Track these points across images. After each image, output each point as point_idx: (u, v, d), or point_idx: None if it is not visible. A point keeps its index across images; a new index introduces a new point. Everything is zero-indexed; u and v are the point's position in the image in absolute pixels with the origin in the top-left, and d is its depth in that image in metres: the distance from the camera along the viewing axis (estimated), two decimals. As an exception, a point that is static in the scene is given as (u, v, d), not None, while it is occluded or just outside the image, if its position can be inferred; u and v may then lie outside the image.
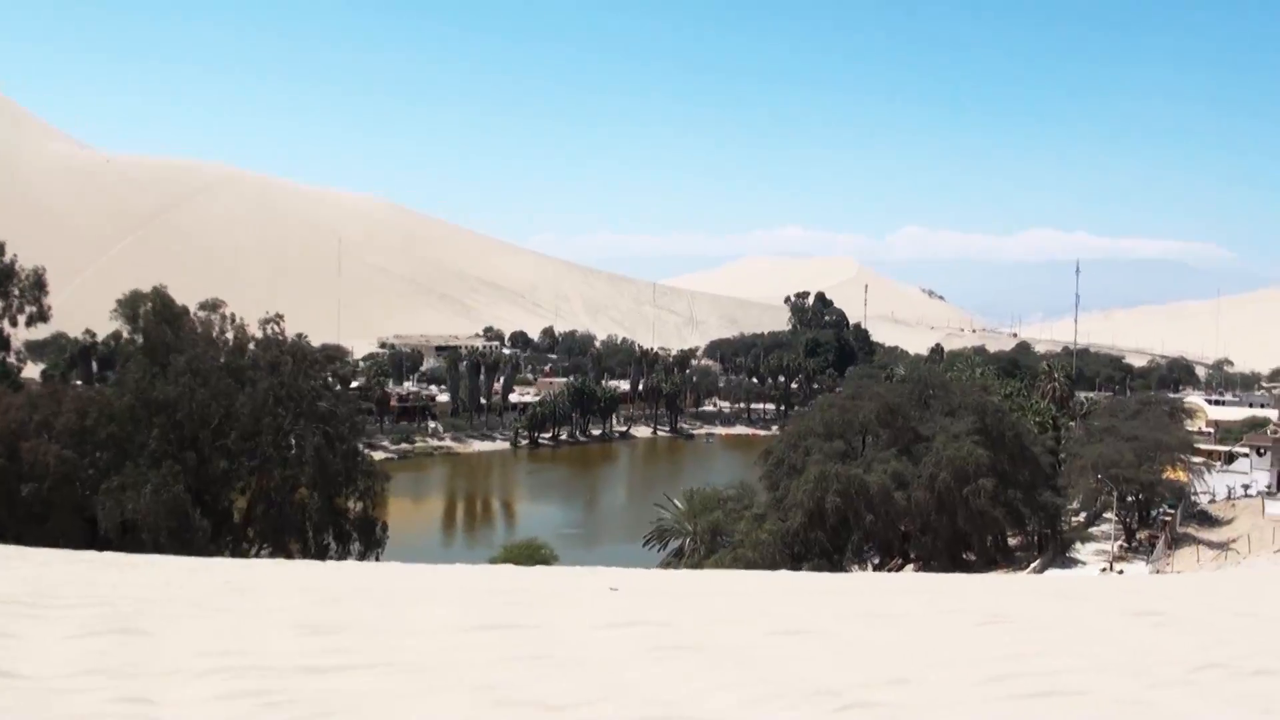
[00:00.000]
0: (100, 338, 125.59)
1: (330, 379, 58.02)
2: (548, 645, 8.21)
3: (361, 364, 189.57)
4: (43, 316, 63.97)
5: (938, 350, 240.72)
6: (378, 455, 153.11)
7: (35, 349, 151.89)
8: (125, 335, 55.91)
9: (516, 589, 11.86)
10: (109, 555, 16.02)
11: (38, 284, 63.23)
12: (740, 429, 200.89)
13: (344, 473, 52.84)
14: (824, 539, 58.02)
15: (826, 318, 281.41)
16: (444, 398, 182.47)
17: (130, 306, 54.72)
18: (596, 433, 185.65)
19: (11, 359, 65.42)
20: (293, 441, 51.04)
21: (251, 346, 54.32)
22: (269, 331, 54.11)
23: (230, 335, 54.92)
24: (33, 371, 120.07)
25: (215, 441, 49.68)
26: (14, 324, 63.34)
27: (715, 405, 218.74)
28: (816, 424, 66.01)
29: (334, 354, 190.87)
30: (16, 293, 62.62)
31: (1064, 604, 12.66)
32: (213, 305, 57.44)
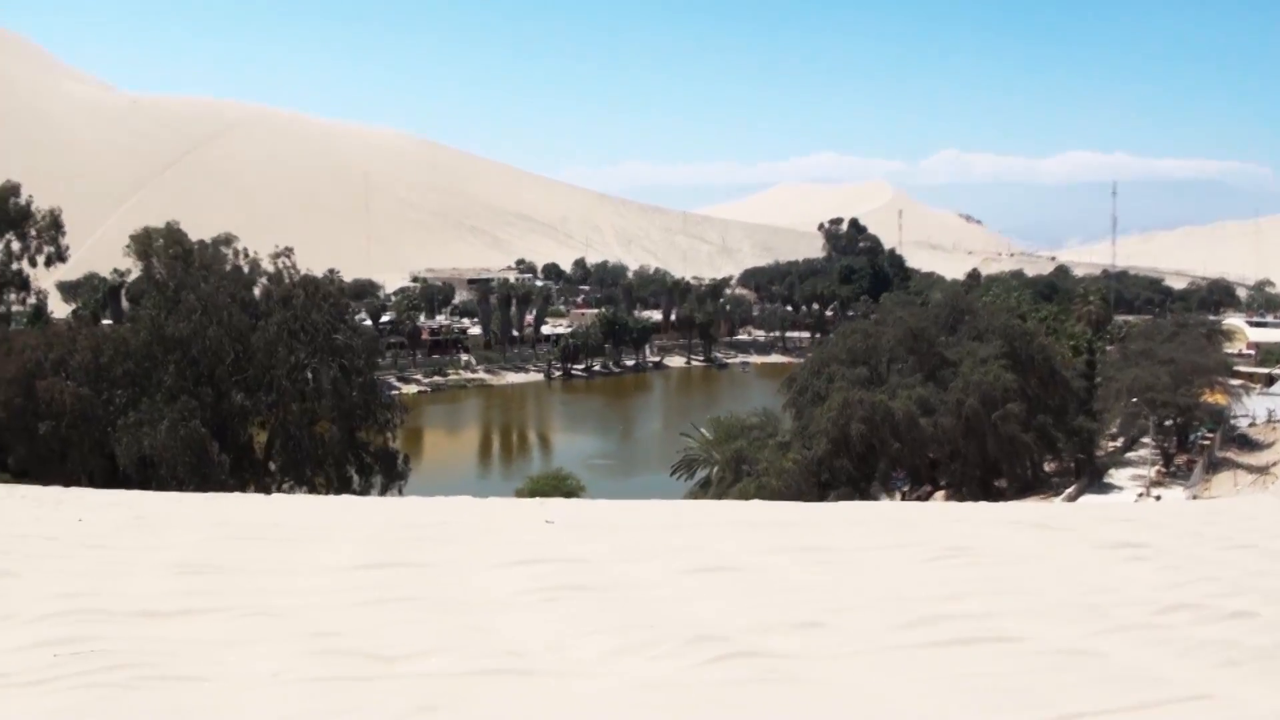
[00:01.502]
0: (130, 277, 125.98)
1: (347, 312, 57.44)
2: (430, 586, 7.49)
3: (392, 298, 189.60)
4: (60, 257, 63.95)
5: (974, 275, 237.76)
6: (410, 388, 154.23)
7: (68, 289, 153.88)
8: (138, 272, 55.58)
9: (441, 523, 11.18)
10: (66, 491, 15.43)
11: (54, 224, 63.19)
12: (775, 357, 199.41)
13: (362, 405, 52.54)
14: (850, 467, 57.16)
15: (861, 244, 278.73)
16: (476, 330, 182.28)
17: (142, 243, 54.31)
18: (629, 363, 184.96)
19: (31, 299, 65.46)
20: (309, 375, 50.71)
21: (264, 280, 53.94)
22: (280, 265, 53.55)
23: (245, 269, 54.55)
24: (67, 312, 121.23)
25: (232, 376, 49.44)
26: (33, 264, 63.35)
27: (750, 334, 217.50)
28: (840, 350, 64.99)
29: (364, 288, 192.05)
30: (34, 234, 62.57)
31: (1040, 535, 11.75)
32: (225, 240, 57.06)
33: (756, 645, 6.10)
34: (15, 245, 62.86)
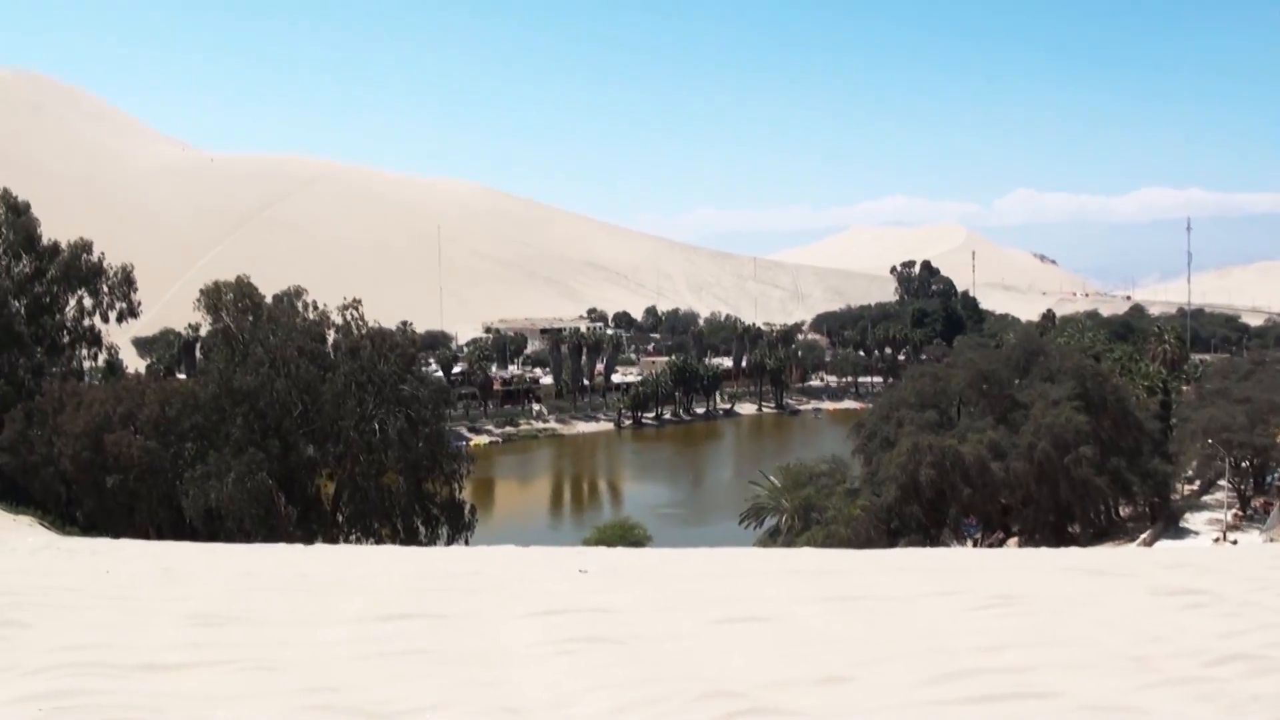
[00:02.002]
0: (204, 331, 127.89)
1: (414, 362, 57.55)
2: (445, 638, 7.26)
3: (465, 349, 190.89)
4: (132, 313, 64.73)
5: (1049, 316, 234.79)
6: (482, 439, 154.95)
7: (144, 345, 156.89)
8: (208, 326, 56.13)
9: (473, 572, 10.91)
10: (107, 542, 15.40)
11: (126, 280, 64.02)
12: (848, 403, 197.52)
13: (429, 456, 52.52)
14: (920, 513, 56.30)
15: (934, 287, 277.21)
16: (548, 380, 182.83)
17: (211, 297, 54.86)
18: (700, 411, 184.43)
19: (103, 354, 66.44)
20: (376, 427, 50.79)
21: (332, 333, 54.19)
22: (348, 317, 53.78)
23: (315, 320, 54.82)
24: (142, 367, 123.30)
25: (300, 428, 49.71)
26: (105, 320, 64.24)
27: (822, 380, 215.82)
28: (909, 394, 64.07)
29: (437, 339, 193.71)
30: (106, 290, 63.49)
31: (1095, 582, 11.19)
32: (295, 293, 57.52)
33: (771, 702, 5.79)
34: (88, 301, 63.76)
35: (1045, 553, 15.46)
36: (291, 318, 54.29)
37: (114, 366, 72.22)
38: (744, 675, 6.34)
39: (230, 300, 55.04)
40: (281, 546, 15.90)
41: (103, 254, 62.21)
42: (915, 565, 12.80)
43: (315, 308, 55.58)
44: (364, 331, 53.26)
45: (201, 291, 56.82)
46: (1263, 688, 6.48)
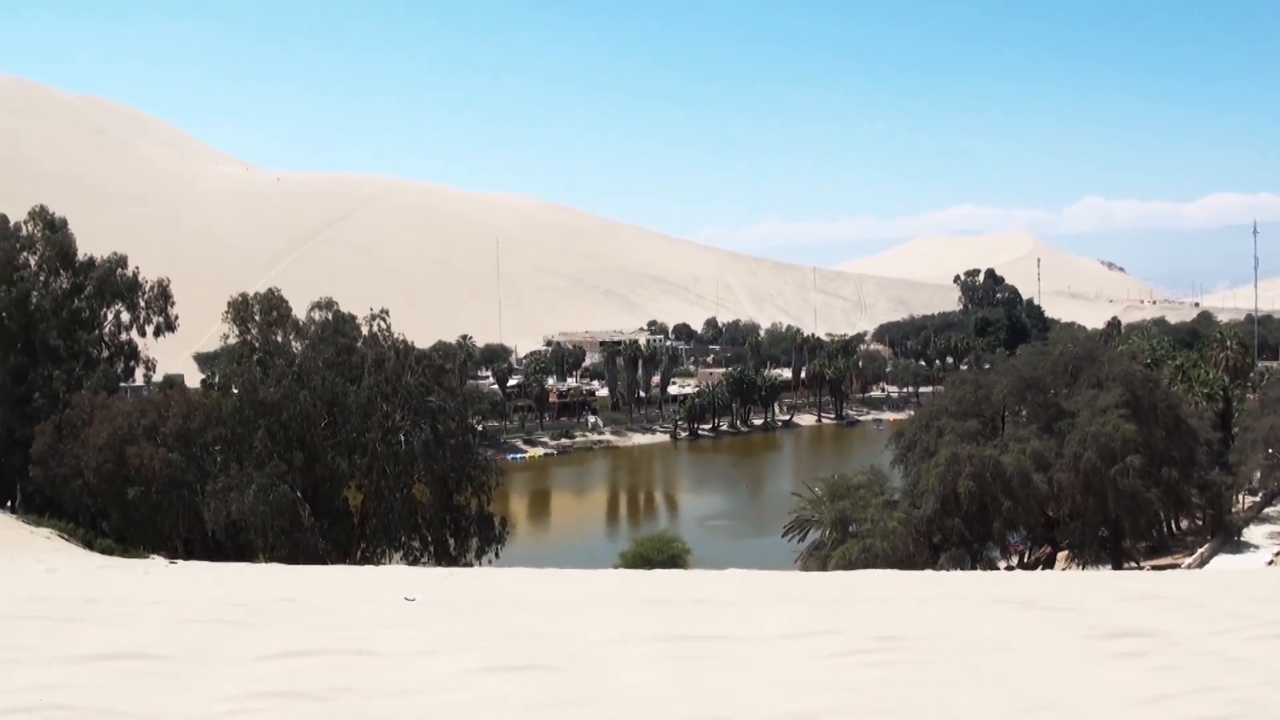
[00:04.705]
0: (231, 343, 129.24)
1: (442, 374, 56.71)
2: (124, 690, 6.02)
3: (521, 361, 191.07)
4: (170, 326, 65.07)
5: (1114, 324, 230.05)
6: (537, 450, 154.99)
7: (205, 360, 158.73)
8: (234, 339, 55.77)
9: (281, 599, 9.67)
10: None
11: (163, 295, 64.43)
12: (909, 414, 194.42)
13: (456, 469, 51.68)
14: (961, 526, 54.27)
15: (998, 295, 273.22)
16: (604, 392, 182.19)
17: (239, 310, 54.48)
18: (758, 422, 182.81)
19: (140, 368, 66.71)
20: (402, 439, 50.03)
21: (359, 344, 53.51)
22: (375, 328, 53.10)
23: (341, 332, 54.26)
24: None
25: (326, 440, 49.08)
26: (142, 334, 64.56)
27: (883, 390, 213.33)
28: (949, 403, 61.97)
29: (495, 353, 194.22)
30: (142, 304, 63.74)
31: (1022, 618, 9.24)
32: (326, 304, 57.03)
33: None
34: (125, 316, 64.11)
35: (983, 580, 13.80)
36: (319, 330, 53.82)
37: (172, 381, 72.53)
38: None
39: (257, 312, 54.66)
40: (139, 565, 14.78)
41: (137, 268, 62.36)
42: (813, 595, 11.14)
43: (344, 320, 55.08)
44: (389, 343, 52.60)
45: (229, 304, 56.44)
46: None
